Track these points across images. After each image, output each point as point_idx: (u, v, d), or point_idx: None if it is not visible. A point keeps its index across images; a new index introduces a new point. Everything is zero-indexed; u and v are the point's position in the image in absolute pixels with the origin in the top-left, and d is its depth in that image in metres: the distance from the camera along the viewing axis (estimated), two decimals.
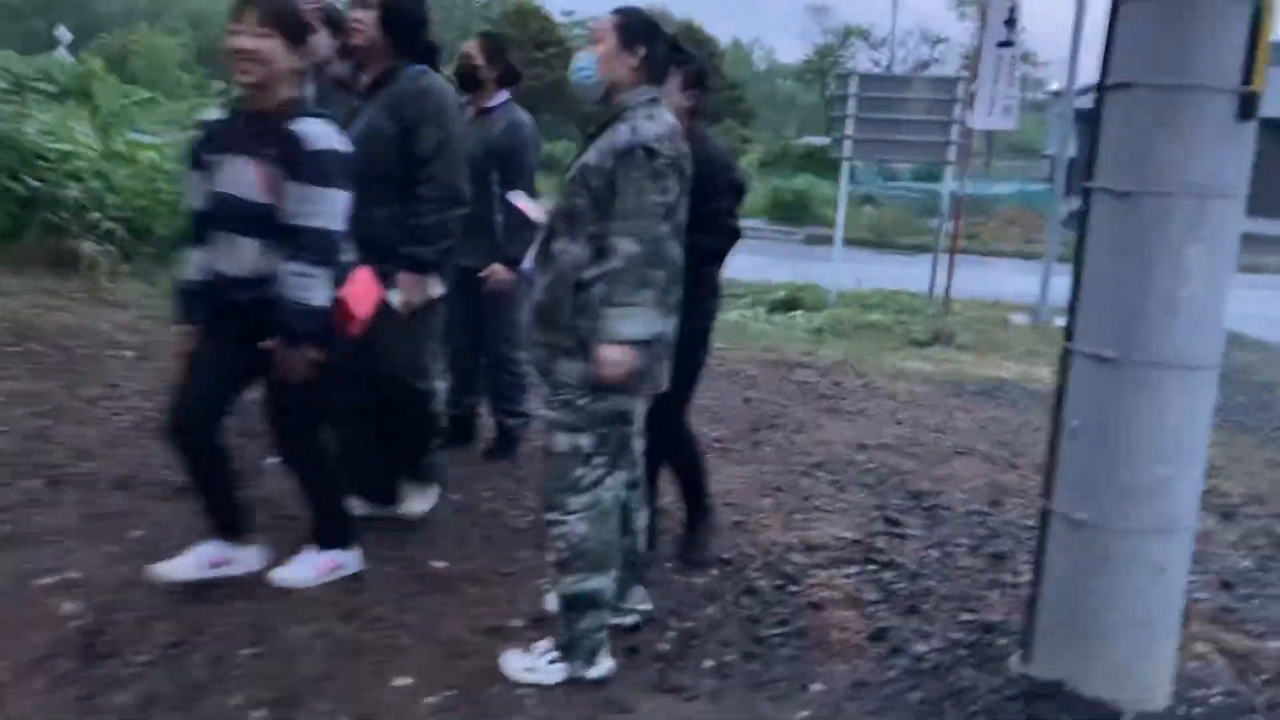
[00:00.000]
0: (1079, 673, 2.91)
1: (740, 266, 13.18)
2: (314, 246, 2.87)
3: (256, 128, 2.92)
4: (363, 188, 3.30)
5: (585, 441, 2.77)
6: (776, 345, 8.66)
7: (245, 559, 3.18)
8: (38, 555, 3.21)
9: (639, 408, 2.84)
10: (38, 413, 4.48)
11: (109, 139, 9.03)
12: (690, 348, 3.34)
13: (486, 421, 4.76)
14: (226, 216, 2.94)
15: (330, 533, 3.26)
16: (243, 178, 2.89)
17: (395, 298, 3.37)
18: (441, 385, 3.84)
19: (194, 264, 3.04)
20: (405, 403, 3.60)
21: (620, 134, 2.71)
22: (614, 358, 2.65)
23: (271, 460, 3.62)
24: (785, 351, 8.28)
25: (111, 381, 5.11)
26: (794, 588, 3.59)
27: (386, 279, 3.30)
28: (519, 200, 3.51)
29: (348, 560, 3.29)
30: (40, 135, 8.47)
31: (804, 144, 26.30)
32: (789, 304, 11.81)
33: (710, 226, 3.29)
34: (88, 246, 7.92)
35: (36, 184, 8.03)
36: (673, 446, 3.57)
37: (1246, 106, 2.64)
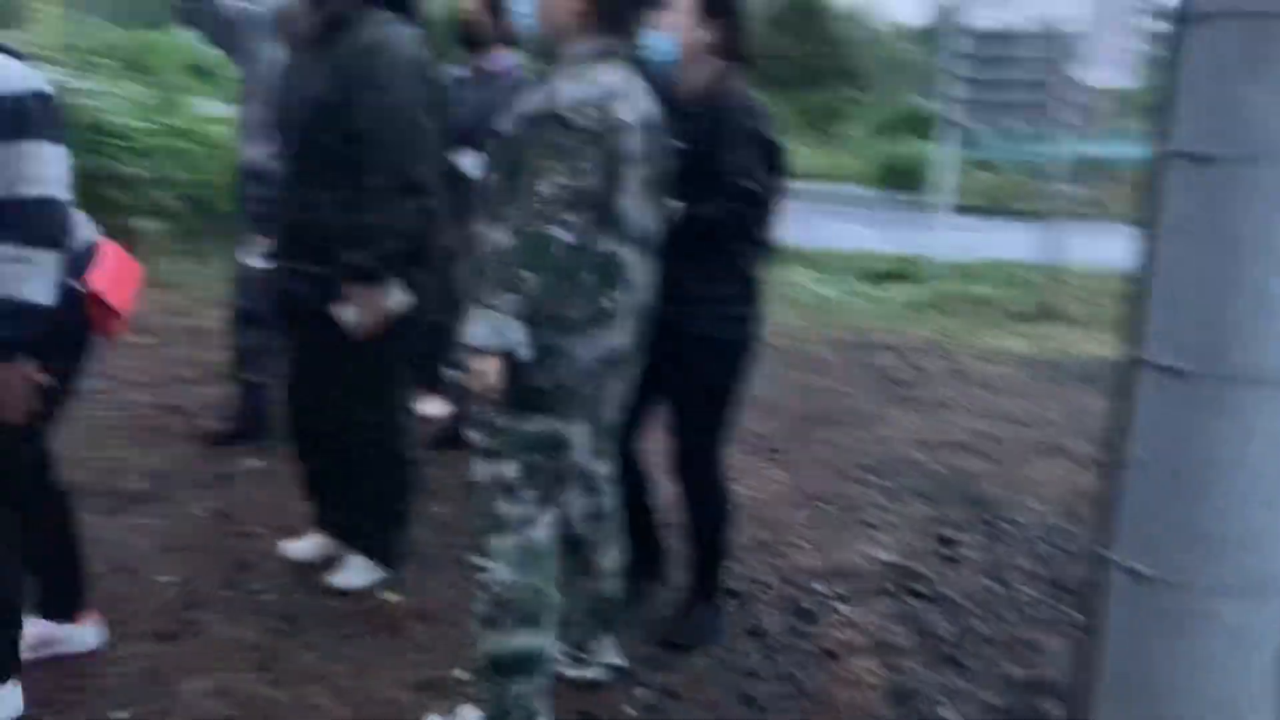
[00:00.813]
0: None
1: (842, 236, 12.53)
2: (26, 222, 2.12)
3: None
4: (302, 168, 2.82)
5: (509, 471, 2.27)
6: (863, 323, 8.00)
7: (77, 638, 2.58)
8: None
9: (579, 434, 2.31)
10: None
11: (171, 112, 8.89)
12: (709, 366, 2.78)
13: None
14: None
15: None
16: None
17: (344, 315, 2.77)
18: (414, 417, 3.26)
19: None
20: (361, 445, 2.99)
21: (534, 98, 2.19)
22: (472, 366, 2.17)
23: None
24: (870, 331, 7.63)
25: (114, 372, 4.82)
26: (810, 628, 3.05)
27: (333, 285, 2.76)
28: (464, 162, 2.98)
29: None
30: (107, 110, 8.38)
31: (918, 107, 25.11)
32: (889, 276, 11.11)
33: (717, 188, 2.64)
34: (145, 225, 7.81)
35: (99, 160, 7.95)
36: (696, 498, 2.92)
37: None
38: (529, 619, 2.30)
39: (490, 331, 2.13)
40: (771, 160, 2.76)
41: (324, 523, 3.17)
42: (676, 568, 3.15)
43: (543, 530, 2.31)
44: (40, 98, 2.14)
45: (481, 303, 2.14)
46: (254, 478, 3.74)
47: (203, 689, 2.48)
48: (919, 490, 4.24)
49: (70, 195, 2.19)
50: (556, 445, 2.27)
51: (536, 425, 2.24)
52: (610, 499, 2.56)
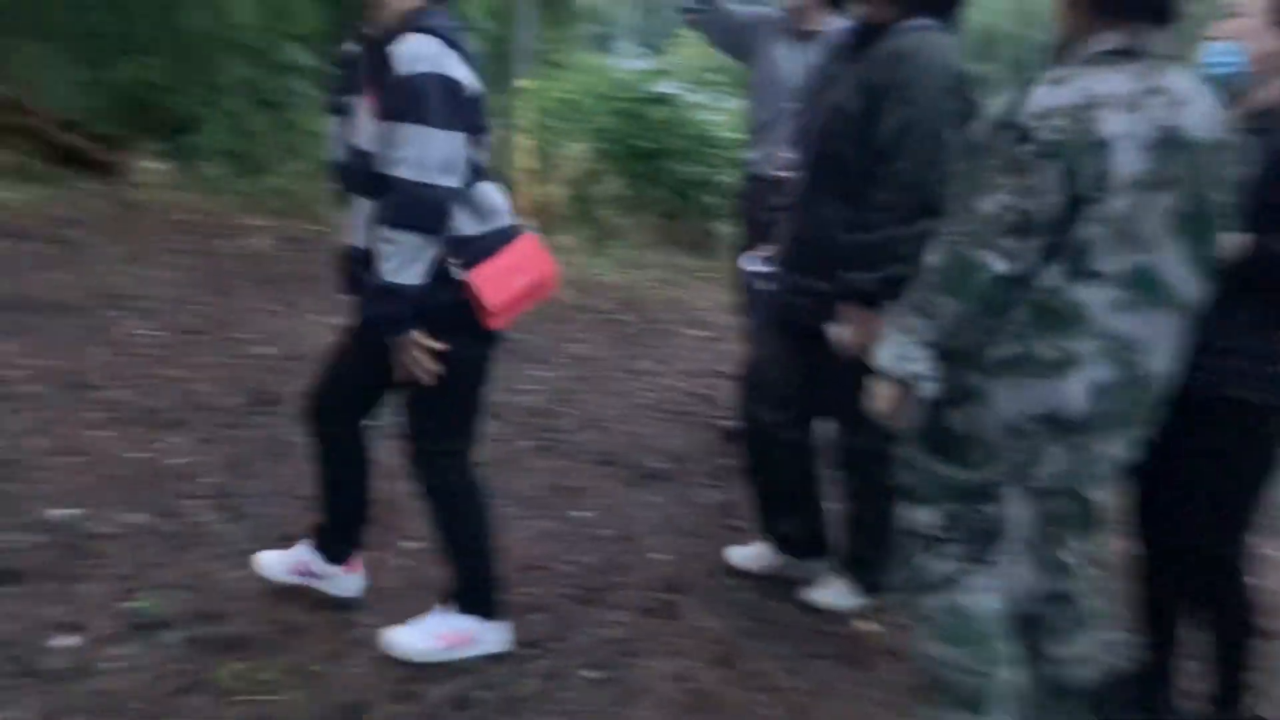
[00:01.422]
0: None
1: None
2: (398, 204, 2.14)
3: (371, 55, 2.22)
4: (816, 178, 2.74)
5: (927, 519, 2.05)
6: None
7: (337, 582, 2.65)
8: None
9: (1010, 490, 2.00)
10: (578, 377, 4.68)
11: None
12: (1227, 434, 2.31)
13: None
14: (348, 171, 2.32)
15: (470, 593, 2.51)
16: (359, 120, 2.26)
17: (837, 335, 2.65)
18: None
19: (345, 229, 2.42)
20: (851, 470, 2.89)
21: (1004, 104, 1.92)
22: (874, 390, 2.01)
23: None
24: None
25: (664, 358, 5.22)
26: None
27: (828, 301, 2.65)
28: None
29: (486, 635, 2.52)
30: (714, 124, 9.08)
31: None
32: None
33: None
34: (727, 229, 8.38)
35: (699, 169, 8.68)
36: (1212, 599, 2.47)
37: None
38: (965, 702, 2.04)
39: (895, 356, 1.96)
40: None
41: (772, 536, 3.09)
42: (1193, 676, 2.69)
43: (975, 596, 2.04)
44: (442, 82, 2.12)
45: (897, 324, 1.97)
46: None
47: (664, 671, 2.56)
48: None
49: (460, 182, 2.19)
50: (980, 496, 2.01)
51: (955, 471, 2.01)
52: (1079, 584, 2.20)
